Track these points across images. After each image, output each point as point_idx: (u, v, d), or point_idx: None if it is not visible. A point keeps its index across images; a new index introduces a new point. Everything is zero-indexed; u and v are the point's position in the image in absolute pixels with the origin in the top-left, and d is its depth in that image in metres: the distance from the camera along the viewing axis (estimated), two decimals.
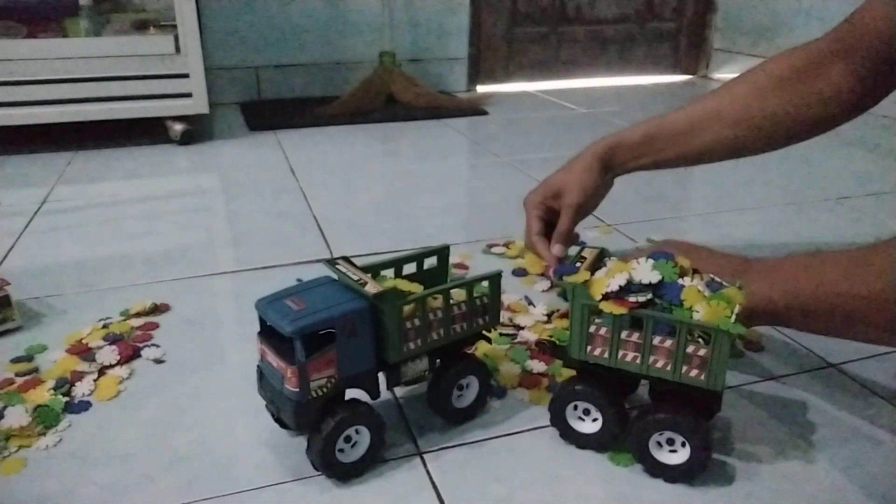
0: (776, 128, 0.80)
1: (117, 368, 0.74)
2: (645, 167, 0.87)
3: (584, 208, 0.85)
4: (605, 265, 0.60)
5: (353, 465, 0.58)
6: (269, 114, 1.96)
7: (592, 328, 0.57)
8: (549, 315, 0.83)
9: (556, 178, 0.87)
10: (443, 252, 0.67)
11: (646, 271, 0.56)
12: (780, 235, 1.11)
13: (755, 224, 1.16)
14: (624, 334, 0.56)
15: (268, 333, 0.57)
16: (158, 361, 0.76)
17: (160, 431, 0.64)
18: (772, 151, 0.85)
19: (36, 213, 1.22)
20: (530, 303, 0.86)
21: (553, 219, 0.86)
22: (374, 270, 0.62)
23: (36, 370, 0.74)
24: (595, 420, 0.60)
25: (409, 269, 0.66)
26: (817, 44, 0.80)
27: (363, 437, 0.58)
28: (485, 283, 0.63)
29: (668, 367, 0.55)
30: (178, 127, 1.65)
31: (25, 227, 1.15)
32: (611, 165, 0.86)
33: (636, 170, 0.87)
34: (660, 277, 0.56)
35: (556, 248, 0.84)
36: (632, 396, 0.66)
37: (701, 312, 0.54)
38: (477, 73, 2.40)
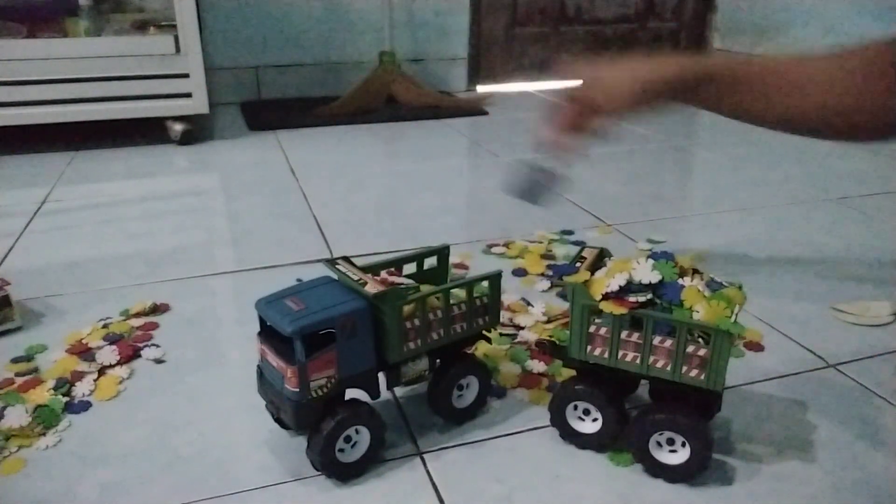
0: (864, 121, 0.72)
1: (117, 368, 0.74)
2: (722, 110, 0.76)
3: (614, 105, 0.77)
4: (605, 265, 0.60)
5: (353, 465, 0.58)
6: (269, 114, 1.96)
7: (592, 328, 0.57)
8: (550, 320, 0.83)
9: (610, 76, 0.77)
10: (443, 252, 0.67)
11: (646, 271, 0.56)
12: (780, 235, 1.11)
13: (755, 224, 1.16)
14: (624, 334, 0.56)
15: (268, 333, 0.57)
16: (158, 361, 0.76)
17: (160, 431, 0.64)
18: (840, 142, 0.79)
19: (36, 213, 1.22)
20: (528, 304, 0.86)
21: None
22: (374, 270, 0.62)
23: (36, 370, 0.74)
24: (595, 420, 0.60)
25: (409, 269, 0.66)
26: None
27: (363, 437, 0.58)
28: (485, 283, 0.63)
29: (668, 367, 0.55)
30: (178, 127, 1.65)
31: (25, 227, 1.15)
32: (678, 94, 0.76)
33: (709, 110, 0.77)
34: (660, 277, 0.56)
35: (544, 131, 0.79)
36: (632, 396, 0.66)
37: (701, 312, 0.54)
38: (477, 73, 2.40)
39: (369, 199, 1.31)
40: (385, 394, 0.62)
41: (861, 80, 0.69)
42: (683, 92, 0.75)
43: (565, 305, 0.84)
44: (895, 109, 0.68)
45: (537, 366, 0.72)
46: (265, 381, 0.58)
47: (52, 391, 0.69)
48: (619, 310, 0.55)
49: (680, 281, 0.56)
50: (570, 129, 0.78)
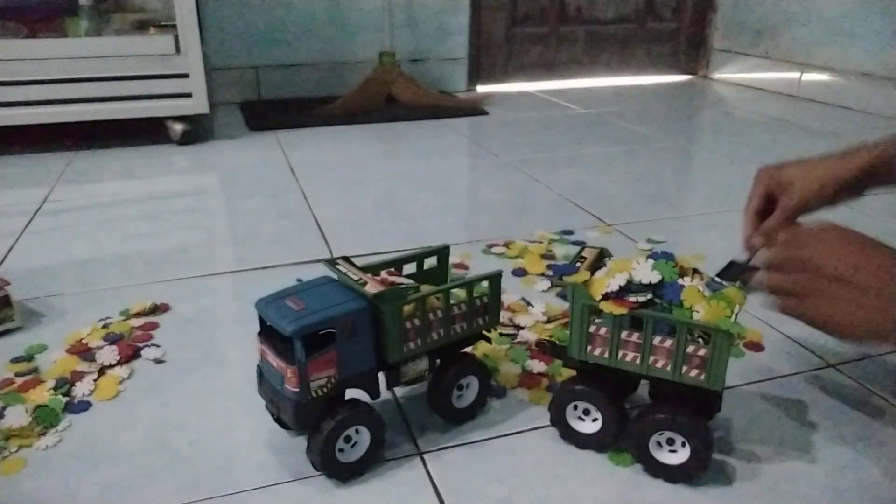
0: None
1: (117, 368, 0.74)
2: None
3: (796, 216, 0.76)
4: (605, 265, 0.60)
5: (353, 465, 0.58)
6: (269, 114, 1.96)
7: (592, 328, 0.57)
8: (549, 320, 0.83)
9: (793, 170, 0.77)
10: (443, 252, 0.67)
11: (646, 271, 0.56)
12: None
13: None
14: (624, 334, 0.56)
15: (268, 333, 0.57)
16: (158, 361, 0.76)
17: (160, 431, 0.64)
18: None
19: (36, 213, 1.22)
20: (528, 304, 0.86)
21: (775, 201, 0.78)
22: (374, 270, 0.62)
23: (36, 370, 0.74)
24: (595, 420, 0.60)
25: (409, 269, 0.66)
26: None
27: (363, 437, 0.58)
28: (485, 283, 0.63)
29: (668, 367, 0.55)
30: (178, 127, 1.65)
31: (25, 227, 1.15)
32: (860, 186, 0.75)
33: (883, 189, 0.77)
34: (660, 277, 0.56)
35: (756, 240, 0.76)
36: (632, 396, 0.66)
37: (701, 312, 0.54)
38: (477, 73, 2.40)
39: (369, 199, 1.31)
40: (385, 394, 0.62)
41: None
42: (856, 189, 0.75)
43: (565, 305, 0.84)
44: None
45: (537, 366, 0.72)
46: (265, 381, 0.58)
47: (52, 391, 0.69)
48: (619, 310, 0.55)
49: (680, 281, 0.56)
50: (774, 235, 0.76)
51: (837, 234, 0.59)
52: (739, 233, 0.78)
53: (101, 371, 0.73)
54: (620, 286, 0.55)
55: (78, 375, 0.72)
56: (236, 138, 1.75)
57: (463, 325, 0.62)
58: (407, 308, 0.57)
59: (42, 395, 0.68)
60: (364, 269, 0.61)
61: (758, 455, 0.61)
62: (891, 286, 0.53)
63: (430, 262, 0.67)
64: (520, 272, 0.95)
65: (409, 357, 0.59)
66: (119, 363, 0.74)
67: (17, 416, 0.64)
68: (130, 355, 0.76)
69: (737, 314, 0.54)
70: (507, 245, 1.05)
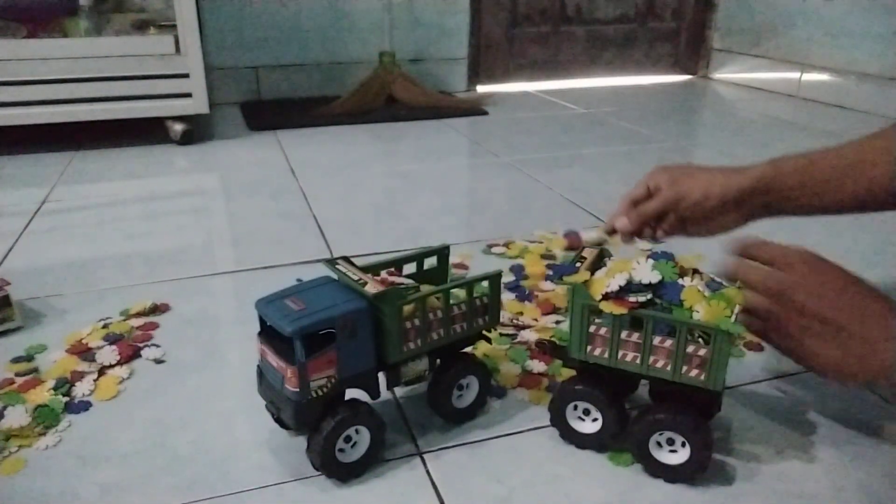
0: None
1: (117, 368, 0.74)
2: (789, 213, 0.74)
3: (677, 208, 0.73)
4: (605, 265, 0.60)
5: (353, 465, 0.58)
6: (269, 114, 1.96)
7: (592, 328, 0.57)
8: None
9: (686, 171, 0.75)
10: (443, 252, 0.67)
11: (646, 271, 0.56)
12: (780, 235, 1.10)
13: (755, 224, 1.15)
14: (624, 334, 0.56)
15: (268, 333, 0.57)
16: (158, 361, 0.76)
17: (160, 431, 0.64)
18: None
19: (36, 213, 1.22)
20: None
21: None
22: (374, 270, 0.62)
23: (36, 370, 0.74)
24: (595, 420, 0.60)
25: (409, 269, 0.66)
26: None
27: (363, 437, 0.58)
28: (485, 283, 0.63)
29: (668, 367, 0.55)
30: (178, 127, 1.65)
31: (25, 227, 1.15)
32: (751, 204, 0.73)
33: (785, 215, 0.75)
34: (660, 277, 0.56)
35: (621, 221, 0.75)
36: (632, 396, 0.66)
37: (701, 312, 0.54)
38: (477, 73, 2.40)
39: (369, 199, 1.31)
40: (385, 394, 0.62)
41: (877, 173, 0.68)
42: (750, 205, 0.73)
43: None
44: None
45: (537, 366, 0.72)
46: (265, 381, 0.58)
47: (52, 391, 0.69)
48: (619, 310, 0.55)
49: (680, 281, 0.56)
50: (645, 225, 0.75)
51: (833, 277, 0.57)
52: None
53: (101, 371, 0.73)
54: (620, 286, 0.55)
55: (78, 375, 0.72)
56: (236, 138, 1.75)
57: (463, 325, 0.62)
58: (407, 308, 0.57)
59: (42, 395, 0.68)
60: (364, 269, 0.61)
61: (758, 455, 0.61)
62: (890, 332, 0.53)
63: (430, 262, 0.67)
64: (519, 272, 0.95)
65: (409, 357, 0.59)
66: (119, 363, 0.74)
67: (17, 416, 0.64)
68: (130, 355, 0.76)
69: (737, 314, 0.54)
70: (507, 245, 1.05)
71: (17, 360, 0.75)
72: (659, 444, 0.57)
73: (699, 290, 0.55)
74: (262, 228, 1.15)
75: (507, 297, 0.87)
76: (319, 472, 0.58)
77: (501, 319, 0.67)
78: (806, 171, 0.71)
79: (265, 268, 1.00)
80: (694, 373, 0.54)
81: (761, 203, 0.73)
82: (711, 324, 0.52)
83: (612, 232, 0.76)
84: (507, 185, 1.37)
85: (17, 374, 0.72)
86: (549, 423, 0.62)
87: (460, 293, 0.61)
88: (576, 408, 0.60)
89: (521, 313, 0.84)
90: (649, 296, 0.56)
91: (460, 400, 0.64)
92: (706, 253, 1.01)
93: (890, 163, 0.67)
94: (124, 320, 0.83)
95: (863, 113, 1.98)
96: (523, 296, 0.88)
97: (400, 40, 2.19)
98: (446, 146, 1.69)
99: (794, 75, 2.23)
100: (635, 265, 0.57)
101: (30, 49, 1.50)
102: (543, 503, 0.56)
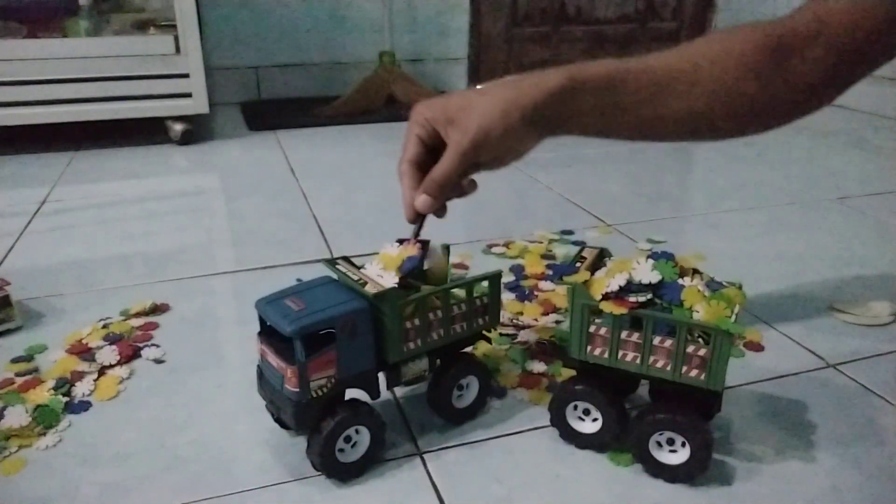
0: (749, 111, 0.64)
1: (117, 368, 0.74)
2: (589, 132, 0.63)
3: (478, 157, 0.60)
4: (605, 265, 0.60)
5: (353, 465, 0.58)
6: (269, 114, 1.96)
7: (592, 328, 0.57)
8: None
9: (462, 99, 0.61)
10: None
11: (646, 271, 0.56)
12: (780, 235, 1.11)
13: (755, 224, 1.16)
14: (624, 334, 0.56)
15: (268, 333, 0.57)
16: (158, 361, 0.76)
17: (160, 431, 0.64)
18: (728, 139, 0.68)
19: (36, 213, 1.22)
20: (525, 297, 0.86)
21: (441, 149, 0.61)
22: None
23: (36, 370, 0.74)
24: (595, 420, 0.60)
25: None
26: (791, 23, 0.63)
27: (363, 437, 0.58)
28: (485, 283, 0.63)
29: (668, 367, 0.55)
30: (178, 127, 1.65)
31: (25, 227, 1.15)
32: (547, 121, 0.61)
33: (577, 134, 0.63)
34: (660, 277, 0.56)
35: (421, 200, 0.62)
36: (632, 396, 0.66)
37: (701, 312, 0.54)
38: (477, 73, 2.40)
39: (369, 199, 1.31)
40: (385, 394, 0.62)
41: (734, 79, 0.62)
42: (559, 114, 0.62)
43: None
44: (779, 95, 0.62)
45: (537, 366, 0.72)
46: (265, 381, 0.58)
47: (52, 391, 0.69)
48: (619, 310, 0.55)
49: (680, 281, 0.56)
50: (448, 191, 0.63)
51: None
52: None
53: (101, 371, 0.73)
54: (620, 286, 0.55)
55: (78, 375, 0.72)
56: (236, 138, 1.75)
57: (463, 325, 0.62)
58: (407, 308, 0.57)
59: (42, 395, 0.68)
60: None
61: (758, 455, 0.61)
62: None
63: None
64: (519, 272, 0.95)
65: (409, 357, 0.59)
66: (119, 363, 0.74)
67: (17, 416, 0.64)
68: (130, 355, 0.76)
69: (737, 314, 0.54)
70: (507, 245, 1.05)
71: (17, 360, 0.75)
72: (659, 444, 0.57)
73: (699, 290, 0.55)
74: (262, 228, 1.15)
75: (507, 297, 0.87)
76: (319, 472, 0.58)
77: (501, 319, 0.67)
78: (620, 79, 0.62)
79: (265, 268, 1.00)
80: (694, 373, 0.54)
81: (558, 120, 0.62)
82: (711, 324, 0.52)
83: (417, 218, 0.64)
84: (507, 185, 1.37)
85: (17, 374, 0.72)
86: (549, 423, 0.62)
87: (460, 293, 0.61)
88: (576, 408, 0.60)
89: (521, 313, 0.84)
90: (649, 296, 0.56)
91: (460, 400, 0.64)
92: (706, 253, 1.01)
93: (739, 66, 0.61)
94: (124, 320, 0.83)
95: (863, 113, 1.98)
96: (523, 296, 0.88)
97: (400, 40, 2.19)
98: None
99: None
100: (635, 265, 0.57)
101: (30, 49, 1.50)
102: (543, 503, 0.56)
